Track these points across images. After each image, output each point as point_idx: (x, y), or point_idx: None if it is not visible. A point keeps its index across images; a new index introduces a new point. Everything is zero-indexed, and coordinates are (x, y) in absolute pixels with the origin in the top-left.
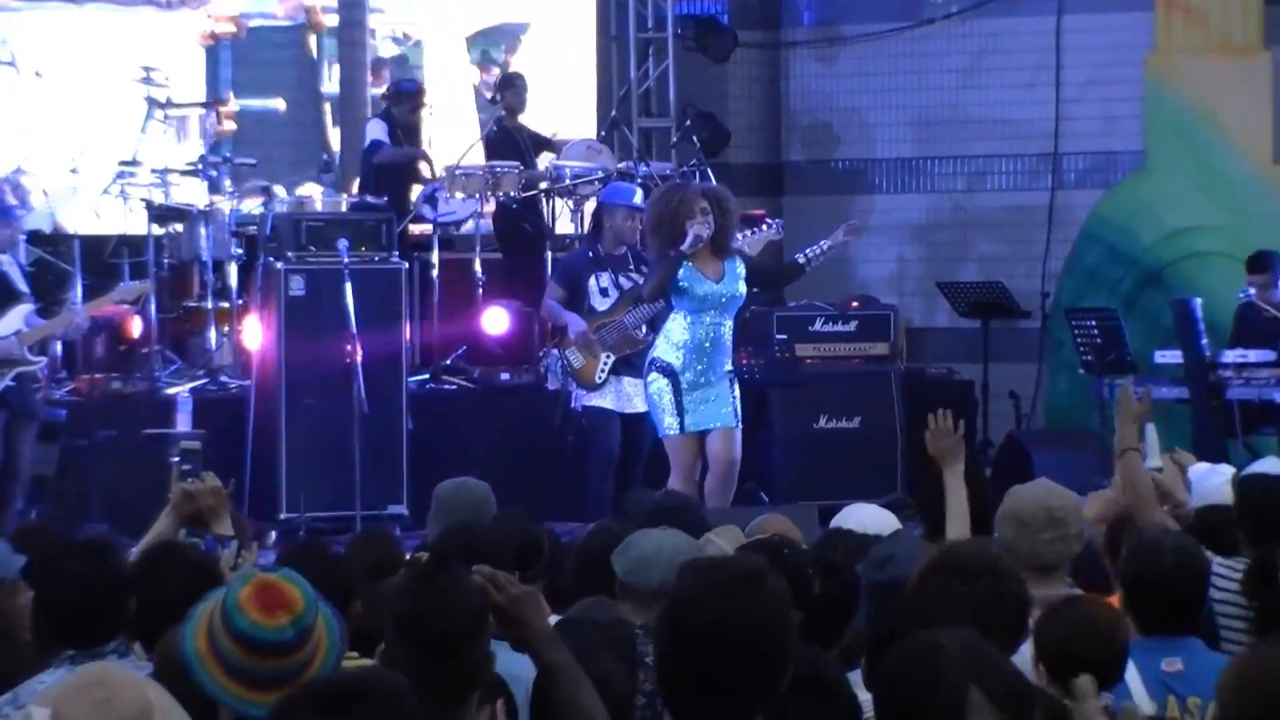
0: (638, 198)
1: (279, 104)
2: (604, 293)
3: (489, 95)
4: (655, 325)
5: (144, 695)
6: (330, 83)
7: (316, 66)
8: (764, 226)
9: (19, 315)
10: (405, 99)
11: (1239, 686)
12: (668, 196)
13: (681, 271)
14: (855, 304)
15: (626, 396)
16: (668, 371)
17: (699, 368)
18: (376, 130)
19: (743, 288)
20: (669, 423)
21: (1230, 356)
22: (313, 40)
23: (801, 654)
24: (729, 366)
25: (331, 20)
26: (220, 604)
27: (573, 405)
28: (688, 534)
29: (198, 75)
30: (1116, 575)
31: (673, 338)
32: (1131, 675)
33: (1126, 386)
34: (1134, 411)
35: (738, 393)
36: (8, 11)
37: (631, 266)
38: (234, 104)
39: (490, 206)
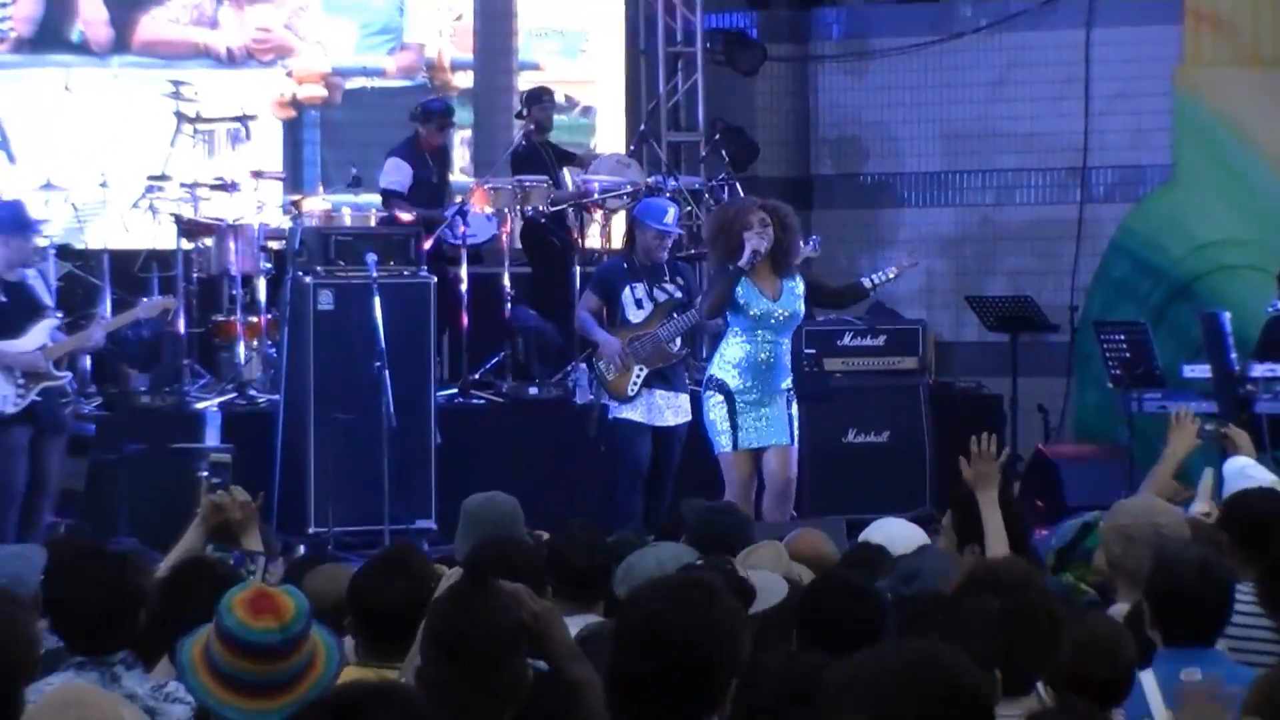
0: (669, 218)
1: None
2: (638, 304)
3: (516, 111)
4: (689, 339)
5: (118, 715)
6: (462, 165)
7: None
8: (802, 244)
9: (44, 330)
10: (433, 118)
11: (1268, 702)
12: (725, 210)
13: (740, 288)
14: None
15: (657, 409)
16: (723, 389)
17: (756, 386)
18: (394, 173)
19: (801, 306)
20: (725, 439)
21: (1259, 370)
22: None
23: (800, 662)
24: (787, 384)
25: (465, 80)
26: (216, 610)
27: (606, 417)
28: (731, 546)
29: (273, 153)
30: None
31: (728, 356)
32: (1150, 684)
33: (1188, 413)
34: (1188, 442)
35: (795, 411)
36: (34, 67)
37: (666, 278)
38: (322, 197)
39: (510, 225)
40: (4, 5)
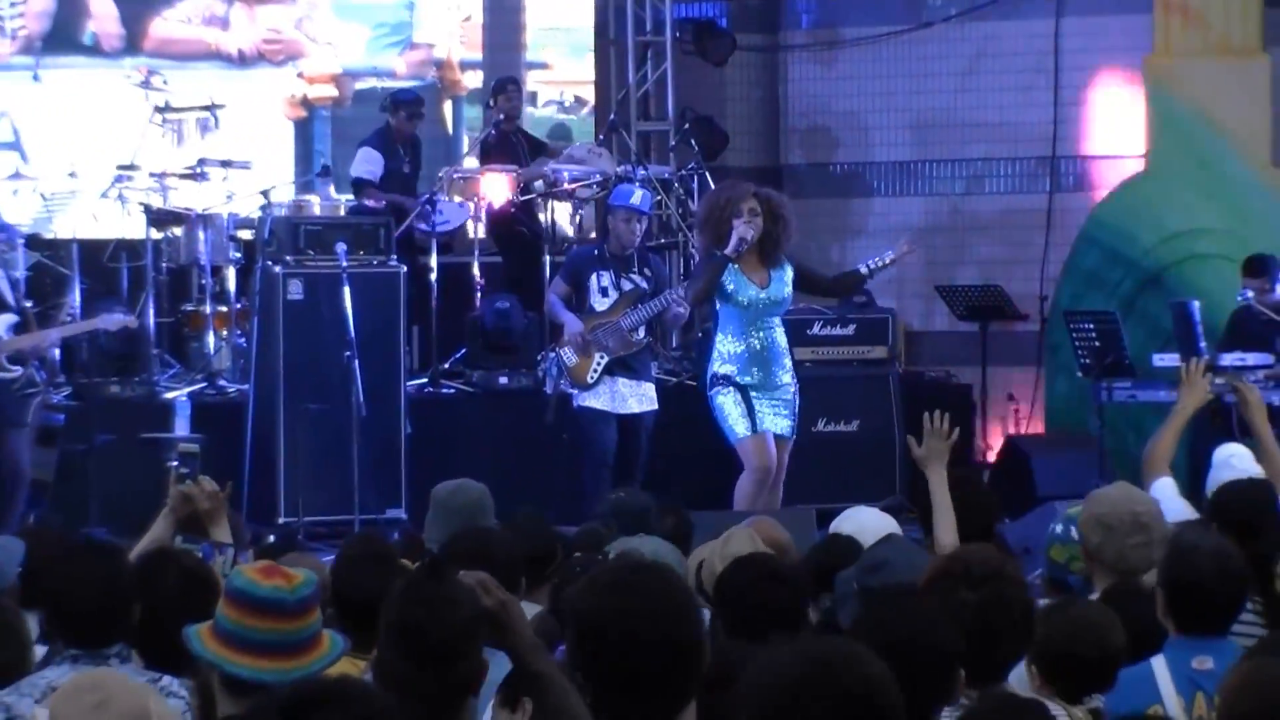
0: (636, 198)
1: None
2: (604, 292)
3: (484, 102)
4: (651, 328)
5: (142, 702)
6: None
7: (452, 144)
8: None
9: None
10: (402, 107)
11: (1240, 693)
12: (718, 193)
13: (727, 277)
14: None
15: (621, 397)
16: (731, 382)
17: (759, 374)
18: (366, 162)
19: (789, 292)
20: (741, 426)
21: (1228, 360)
22: (447, 108)
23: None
24: (789, 371)
25: (474, 80)
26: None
27: (572, 404)
28: (658, 534)
29: (284, 154)
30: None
31: (728, 353)
32: (1161, 672)
33: (1199, 366)
34: (1199, 396)
35: (798, 405)
36: (42, 69)
37: (635, 268)
38: (336, 201)
39: (476, 214)
40: (15, 4)
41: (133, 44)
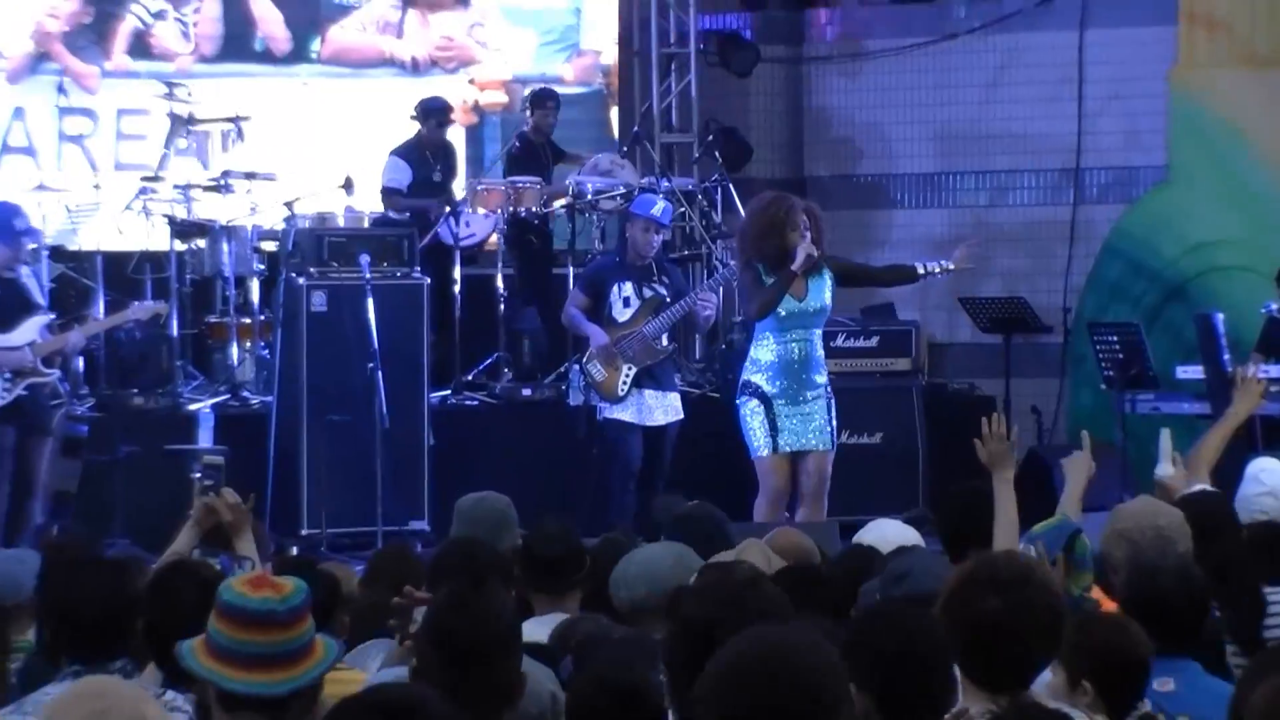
0: (657, 210)
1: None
2: (625, 302)
3: (523, 109)
4: (674, 336)
5: (141, 711)
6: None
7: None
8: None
9: (34, 326)
10: (432, 115)
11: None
12: (772, 206)
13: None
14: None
15: (648, 409)
16: (759, 394)
17: (792, 385)
18: (394, 171)
19: (829, 300)
20: (760, 443)
21: (1252, 371)
22: (613, 114)
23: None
24: (823, 379)
25: None
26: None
27: (596, 418)
28: (708, 544)
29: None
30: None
31: (761, 360)
32: None
33: (1255, 372)
34: (1252, 402)
35: (834, 413)
36: (220, 78)
37: (655, 277)
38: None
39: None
40: (196, 10)
41: (302, 52)
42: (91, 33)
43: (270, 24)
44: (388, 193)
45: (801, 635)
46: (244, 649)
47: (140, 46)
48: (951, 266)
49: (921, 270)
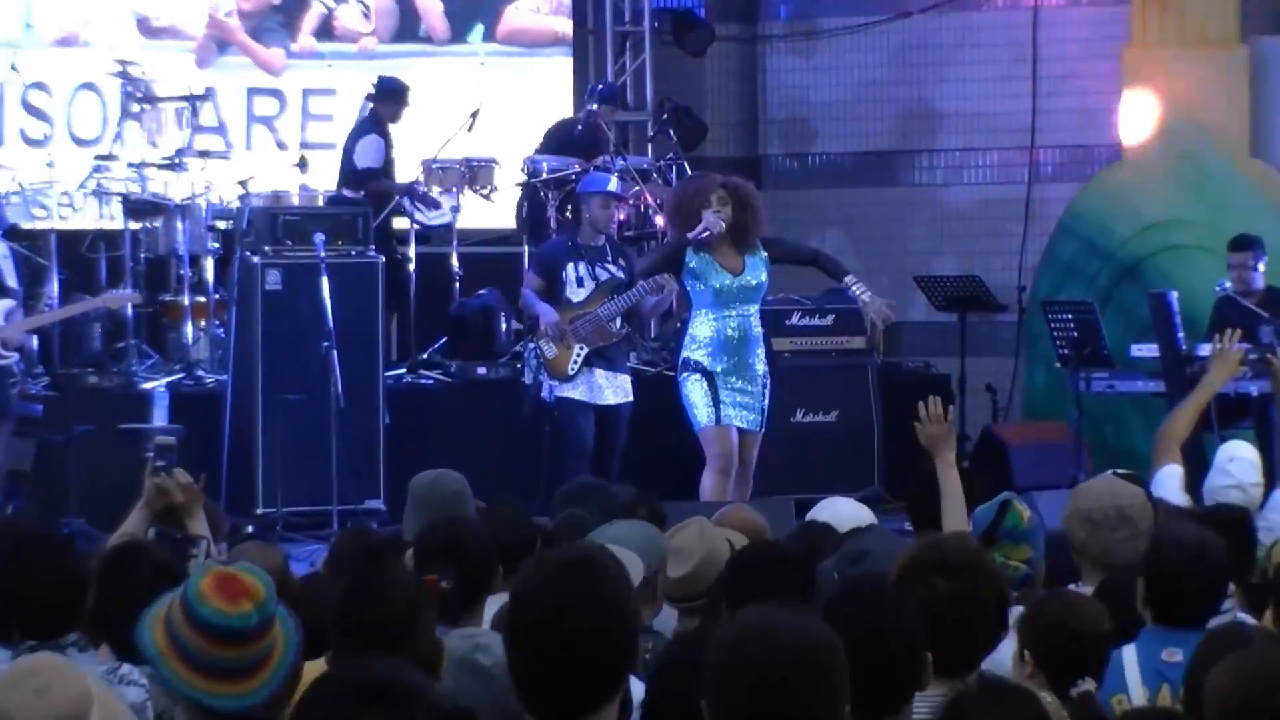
0: (612, 185)
1: None
2: (579, 282)
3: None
4: (629, 318)
5: (83, 686)
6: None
7: None
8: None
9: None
10: (389, 96)
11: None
12: (686, 185)
13: (696, 262)
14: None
15: (598, 388)
16: (700, 369)
17: (731, 360)
18: (374, 150)
19: (765, 277)
20: (703, 415)
21: (1206, 350)
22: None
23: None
24: (762, 369)
25: None
26: (180, 597)
27: (546, 397)
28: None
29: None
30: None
31: (698, 336)
32: (1130, 662)
33: (1232, 340)
34: (1229, 371)
35: (768, 399)
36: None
37: (609, 258)
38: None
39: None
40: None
41: (458, 33)
42: (280, 14)
43: (432, 15)
44: (371, 173)
45: (799, 615)
46: (216, 662)
47: (325, 29)
48: (866, 302)
49: (847, 282)
